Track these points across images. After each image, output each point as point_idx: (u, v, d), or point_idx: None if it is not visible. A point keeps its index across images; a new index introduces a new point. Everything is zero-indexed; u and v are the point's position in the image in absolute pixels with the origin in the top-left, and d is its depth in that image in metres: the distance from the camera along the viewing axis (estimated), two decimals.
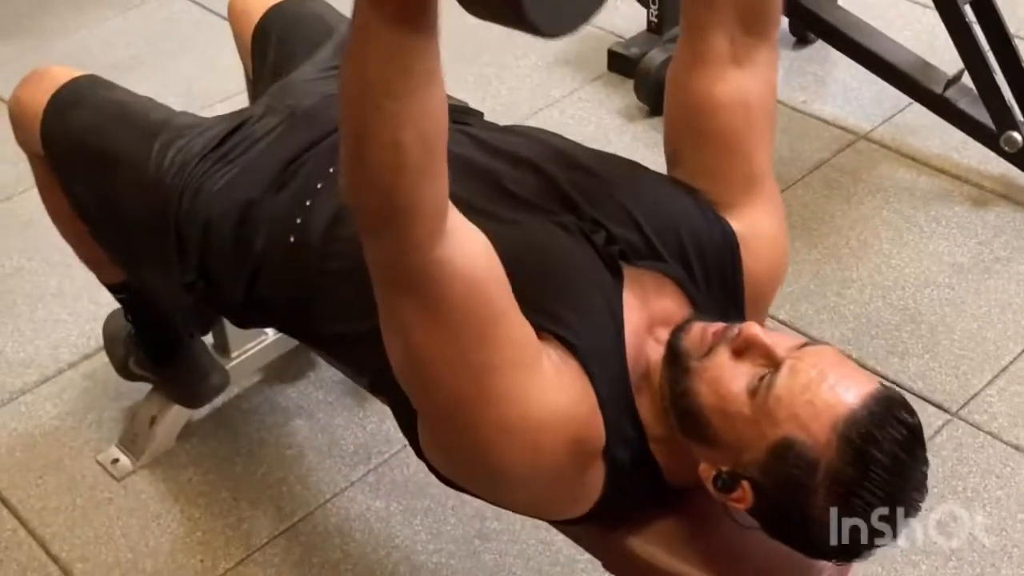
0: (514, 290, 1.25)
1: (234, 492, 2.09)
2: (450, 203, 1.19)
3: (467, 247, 1.21)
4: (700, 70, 1.46)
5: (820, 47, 3.07)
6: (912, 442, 1.22)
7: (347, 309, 1.45)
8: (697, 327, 1.32)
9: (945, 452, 2.09)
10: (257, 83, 1.94)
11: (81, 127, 1.73)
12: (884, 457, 1.19)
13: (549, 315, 1.31)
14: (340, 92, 1.12)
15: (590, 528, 1.45)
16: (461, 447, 1.31)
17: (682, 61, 1.49)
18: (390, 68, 1.06)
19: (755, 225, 1.47)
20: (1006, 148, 2.59)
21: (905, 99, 2.81)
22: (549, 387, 1.26)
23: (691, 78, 1.47)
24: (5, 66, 3.19)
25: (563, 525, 1.52)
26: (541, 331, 1.29)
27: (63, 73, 1.80)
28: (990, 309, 2.38)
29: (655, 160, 1.66)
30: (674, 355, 1.32)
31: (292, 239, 1.54)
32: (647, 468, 1.37)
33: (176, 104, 1.83)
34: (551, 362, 1.28)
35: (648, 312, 1.39)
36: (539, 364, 1.26)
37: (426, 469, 1.43)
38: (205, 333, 2.05)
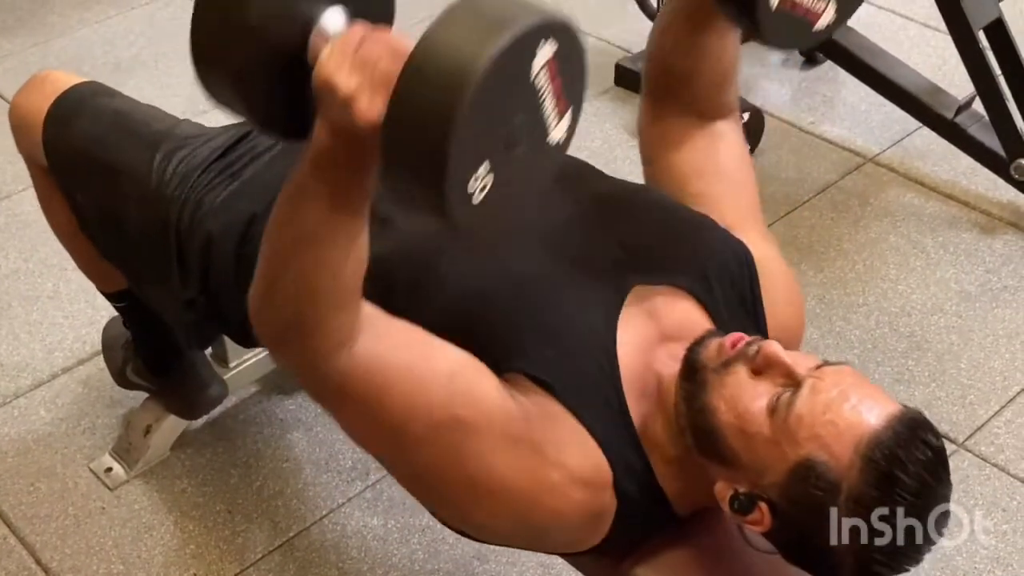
0: (482, 334, 1.26)
1: (229, 505, 2.06)
2: (368, 306, 1.21)
3: (380, 346, 1.21)
4: (666, 147, 1.53)
5: (829, 68, 3.05)
6: (937, 464, 1.19)
7: None
8: (715, 341, 1.30)
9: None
10: None
11: (82, 137, 1.70)
12: (909, 479, 1.16)
13: (524, 356, 1.29)
14: (269, 221, 1.17)
15: (598, 560, 1.42)
16: (465, 523, 1.35)
17: (647, 133, 1.58)
18: (318, 228, 1.12)
19: (756, 246, 1.47)
20: (1016, 176, 2.57)
21: (914, 123, 2.79)
22: (533, 456, 1.25)
23: (656, 151, 1.55)
24: (6, 62, 3.19)
25: (570, 557, 1.50)
26: (516, 376, 1.28)
27: (63, 80, 1.77)
28: (997, 339, 2.35)
29: None
30: (691, 369, 1.29)
31: None
32: (654, 496, 1.34)
33: (178, 105, 1.80)
34: (529, 421, 1.26)
35: (657, 326, 1.37)
36: (505, 428, 1.25)
37: None
38: (205, 348, 2.02)
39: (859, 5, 1.39)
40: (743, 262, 1.45)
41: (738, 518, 1.26)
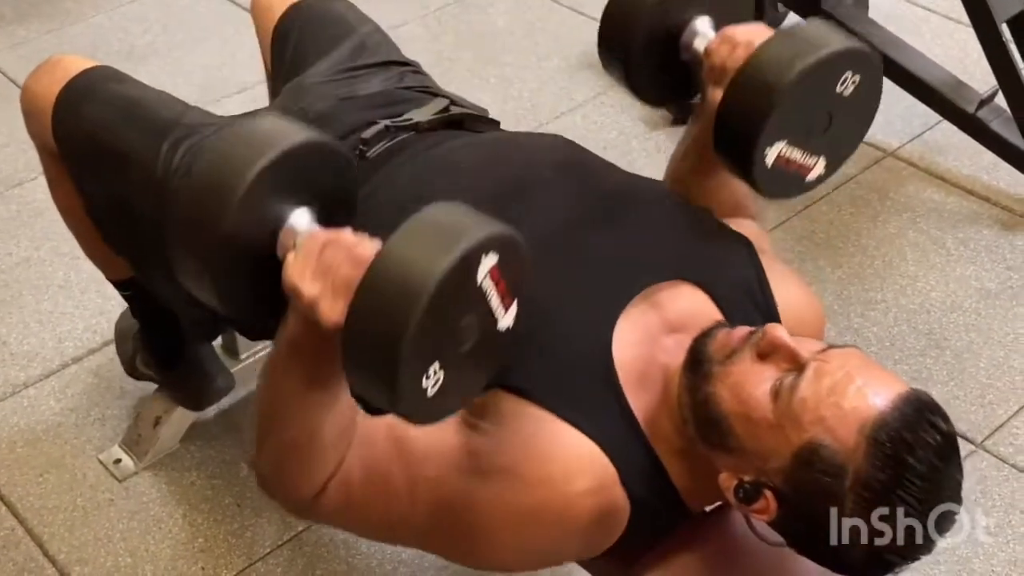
0: None
1: (238, 498, 2.04)
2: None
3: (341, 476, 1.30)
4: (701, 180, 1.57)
5: None
6: (947, 448, 1.16)
7: None
8: (722, 332, 1.28)
9: (968, 484, 1.98)
10: (275, 81, 1.89)
11: (92, 122, 1.69)
12: (917, 463, 1.13)
13: (504, 373, 1.28)
14: (259, 384, 1.29)
15: (609, 562, 1.39)
16: (488, 565, 1.38)
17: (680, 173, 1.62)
18: (298, 398, 1.24)
19: (766, 253, 1.47)
20: None
21: (935, 116, 2.75)
22: (513, 481, 1.26)
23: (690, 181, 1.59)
24: (21, 48, 3.17)
25: (584, 560, 1.48)
26: (497, 390, 1.28)
27: (75, 64, 1.75)
28: (1018, 337, 2.32)
29: None
30: (696, 361, 1.27)
31: None
32: (666, 493, 1.32)
33: (191, 94, 1.78)
34: (499, 446, 1.27)
35: (661, 315, 1.35)
36: (491, 468, 1.27)
37: None
38: (212, 340, 2.00)
39: (848, 156, 1.47)
40: (748, 256, 1.44)
41: (743, 508, 1.23)
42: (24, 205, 2.65)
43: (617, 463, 1.27)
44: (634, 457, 1.28)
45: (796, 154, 1.38)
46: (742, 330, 1.27)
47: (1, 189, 2.71)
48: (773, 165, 1.37)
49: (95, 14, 3.35)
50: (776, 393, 1.19)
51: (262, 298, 1.25)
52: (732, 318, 1.35)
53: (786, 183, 1.42)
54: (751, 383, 1.21)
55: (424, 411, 1.16)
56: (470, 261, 1.10)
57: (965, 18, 2.60)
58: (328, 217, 1.26)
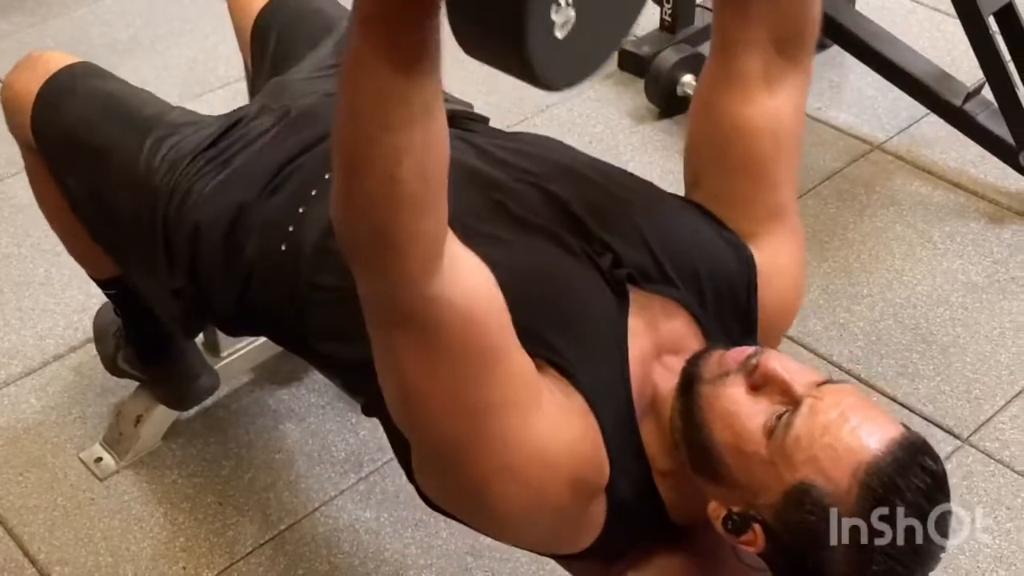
0: (513, 318, 1.18)
1: (220, 497, 2.03)
2: (449, 231, 1.11)
3: (466, 281, 1.13)
4: (731, 92, 1.38)
5: (836, 52, 2.99)
6: (935, 491, 1.16)
7: (340, 328, 1.38)
8: (715, 355, 1.26)
9: (954, 480, 1.96)
10: (256, 79, 1.87)
11: (73, 119, 1.67)
12: (905, 508, 1.13)
13: (550, 346, 1.24)
14: (334, 118, 1.05)
15: (588, 563, 1.38)
16: (458, 485, 1.25)
17: (711, 81, 1.41)
18: (385, 102, 0.99)
19: (775, 257, 1.41)
20: None
21: (922, 109, 2.74)
22: (550, 427, 1.20)
23: (721, 100, 1.39)
24: (2, 42, 3.15)
25: (560, 559, 1.46)
26: (541, 363, 1.23)
27: (57, 60, 1.73)
28: (1004, 331, 2.31)
29: (664, 164, 1.61)
30: (689, 384, 1.25)
31: (284, 247, 1.48)
32: (650, 503, 1.31)
33: (174, 88, 1.77)
34: (552, 398, 1.21)
35: (655, 337, 1.33)
36: (539, 402, 1.20)
37: None
38: (193, 337, 1.98)
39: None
40: (743, 270, 1.39)
41: (731, 538, 1.22)
42: (5, 201, 2.63)
43: (612, 463, 1.25)
44: (627, 463, 1.27)
45: None
46: (735, 351, 1.25)
47: None
48: None
49: (77, 8, 3.32)
50: (771, 430, 1.18)
51: None
52: (716, 337, 1.34)
53: None
54: (744, 415, 1.20)
55: (551, 60, 0.91)
56: None
57: (952, 11, 2.59)
58: None
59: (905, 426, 1.19)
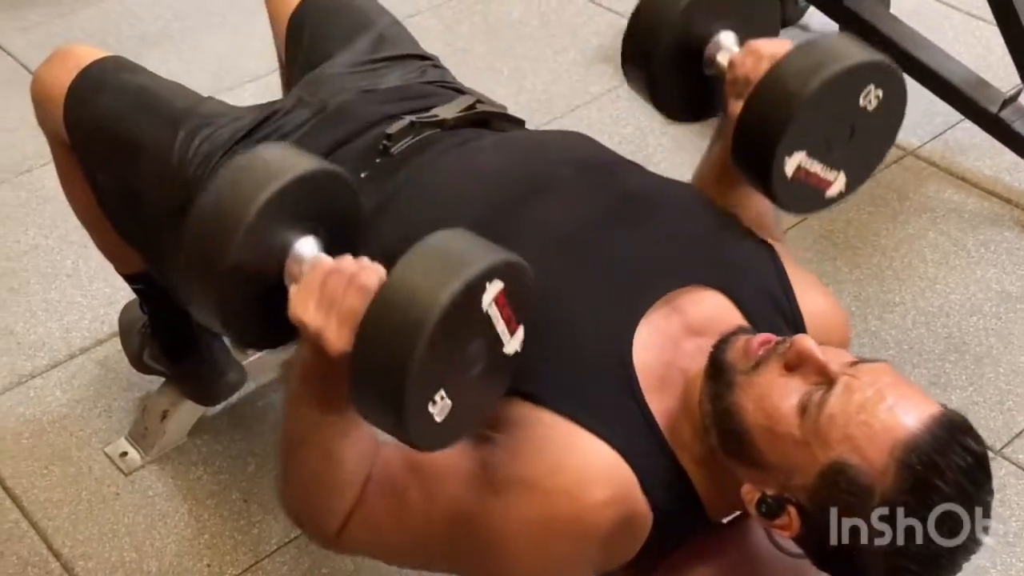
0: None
1: (245, 494, 2.01)
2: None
3: (365, 511, 1.30)
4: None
5: None
6: (978, 471, 1.13)
7: None
8: (742, 339, 1.24)
9: None
10: (290, 71, 1.86)
11: (104, 113, 1.67)
12: (947, 487, 1.10)
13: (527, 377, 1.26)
14: (282, 417, 1.30)
15: (625, 571, 1.36)
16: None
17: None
18: (315, 427, 1.25)
19: (792, 264, 1.43)
20: None
21: (957, 115, 2.71)
22: (530, 494, 1.23)
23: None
24: (31, 32, 3.14)
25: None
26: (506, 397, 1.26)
27: (87, 54, 1.73)
28: None
29: (693, 165, 1.62)
30: (717, 369, 1.23)
31: None
32: (689, 501, 1.29)
33: (203, 81, 1.76)
34: (512, 457, 1.24)
35: (682, 319, 1.32)
36: (505, 480, 1.24)
37: None
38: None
39: (868, 176, 1.46)
40: (773, 263, 1.41)
41: (765, 522, 1.20)
42: (33, 192, 2.63)
43: (638, 470, 1.24)
44: (656, 463, 1.26)
45: (816, 167, 1.36)
46: (763, 337, 1.23)
47: (10, 175, 2.69)
48: (792, 177, 1.35)
49: None
50: (804, 408, 1.16)
51: (271, 326, 1.25)
52: (758, 325, 1.32)
53: (806, 197, 1.39)
54: (777, 396, 1.18)
55: (432, 437, 1.17)
56: (474, 289, 1.11)
57: (988, 15, 2.56)
58: (334, 242, 1.25)
59: (945, 406, 1.17)
